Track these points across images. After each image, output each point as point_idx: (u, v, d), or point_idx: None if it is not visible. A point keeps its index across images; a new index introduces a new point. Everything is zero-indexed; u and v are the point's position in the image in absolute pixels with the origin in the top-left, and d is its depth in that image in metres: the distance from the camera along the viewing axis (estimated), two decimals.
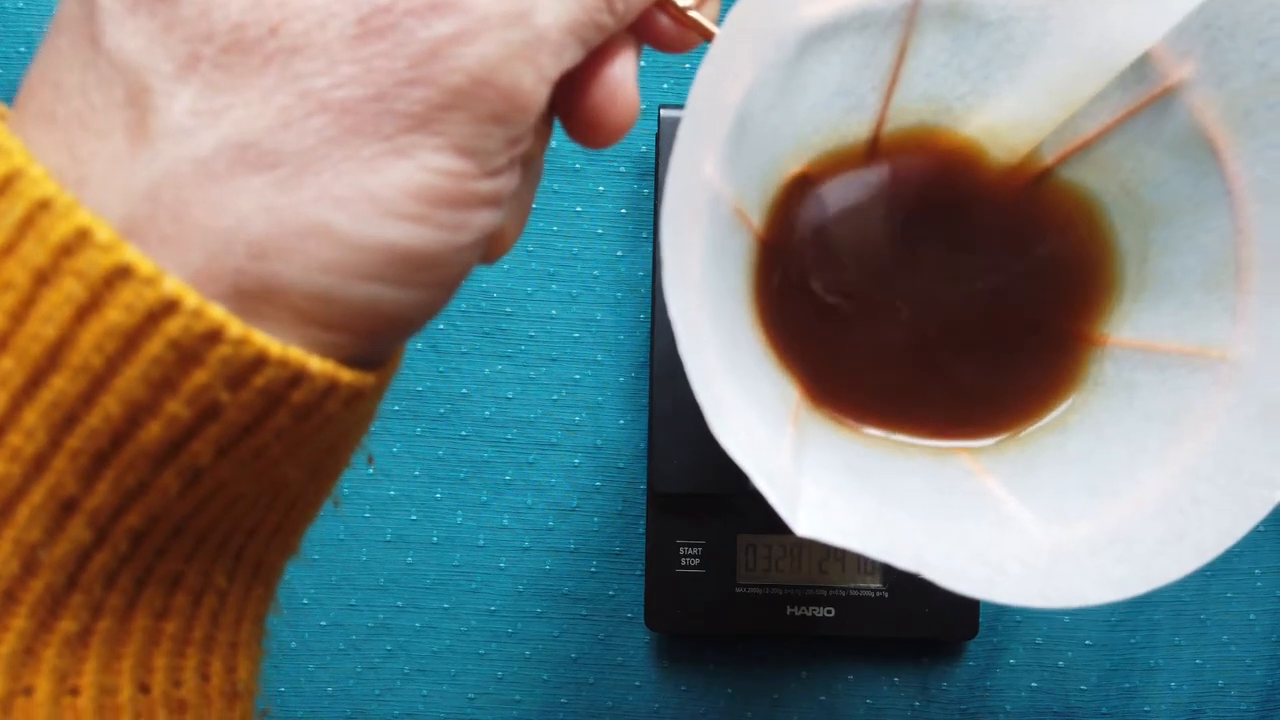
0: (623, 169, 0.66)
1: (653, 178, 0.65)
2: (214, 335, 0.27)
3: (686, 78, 0.65)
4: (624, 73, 0.33)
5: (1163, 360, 0.41)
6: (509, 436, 0.66)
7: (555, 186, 0.66)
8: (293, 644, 0.65)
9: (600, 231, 0.66)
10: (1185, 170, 0.40)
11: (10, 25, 0.65)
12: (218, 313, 0.27)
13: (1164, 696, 0.66)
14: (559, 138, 0.64)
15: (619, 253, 0.66)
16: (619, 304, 0.66)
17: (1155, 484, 0.39)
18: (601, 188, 0.66)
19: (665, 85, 0.66)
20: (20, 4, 0.65)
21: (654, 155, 0.63)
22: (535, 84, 0.30)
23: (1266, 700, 0.65)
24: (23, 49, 0.65)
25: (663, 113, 0.61)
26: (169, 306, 0.26)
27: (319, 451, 0.32)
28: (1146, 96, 0.39)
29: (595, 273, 0.66)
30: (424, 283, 0.30)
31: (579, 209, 0.66)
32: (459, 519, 0.66)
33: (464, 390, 0.66)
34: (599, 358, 0.66)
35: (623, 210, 0.66)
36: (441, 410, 0.66)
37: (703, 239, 0.35)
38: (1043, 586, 0.36)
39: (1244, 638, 0.66)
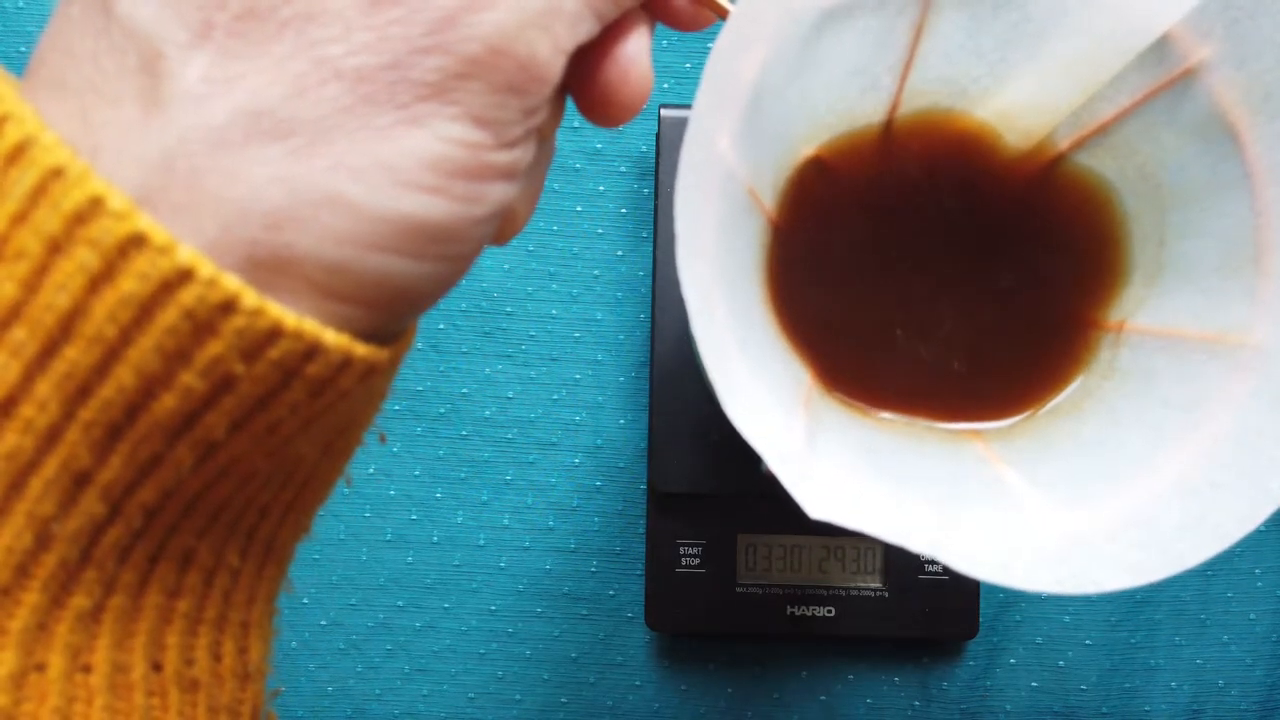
0: (623, 169, 0.66)
1: (653, 178, 0.65)
2: (229, 306, 0.27)
3: (688, 77, 0.65)
4: (637, 49, 0.33)
5: (1181, 346, 0.41)
6: (509, 436, 0.66)
7: (555, 186, 0.66)
8: (293, 643, 0.65)
9: (600, 231, 0.66)
10: (1204, 153, 0.40)
11: (10, 25, 0.65)
12: (232, 283, 0.26)
13: (1164, 696, 0.66)
14: (560, 138, 0.64)
15: (619, 253, 0.66)
16: (619, 304, 0.66)
17: (1173, 469, 0.39)
18: (601, 188, 0.66)
19: (666, 85, 0.66)
20: (20, 4, 0.65)
21: (654, 155, 0.63)
22: (551, 54, 0.30)
23: (1266, 700, 0.65)
24: (23, 49, 0.65)
25: (663, 112, 0.61)
26: (183, 276, 0.26)
27: (332, 428, 0.32)
28: (1166, 79, 0.39)
29: (595, 273, 0.66)
30: (439, 255, 0.30)
31: (579, 209, 0.66)
32: (459, 519, 0.66)
33: (464, 390, 0.66)
34: (599, 358, 0.66)
35: (623, 210, 0.66)
36: (442, 410, 0.66)
37: (716, 218, 0.35)
38: (1058, 572, 0.35)
39: (1244, 638, 0.66)
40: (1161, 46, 0.39)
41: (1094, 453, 0.41)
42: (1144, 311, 0.43)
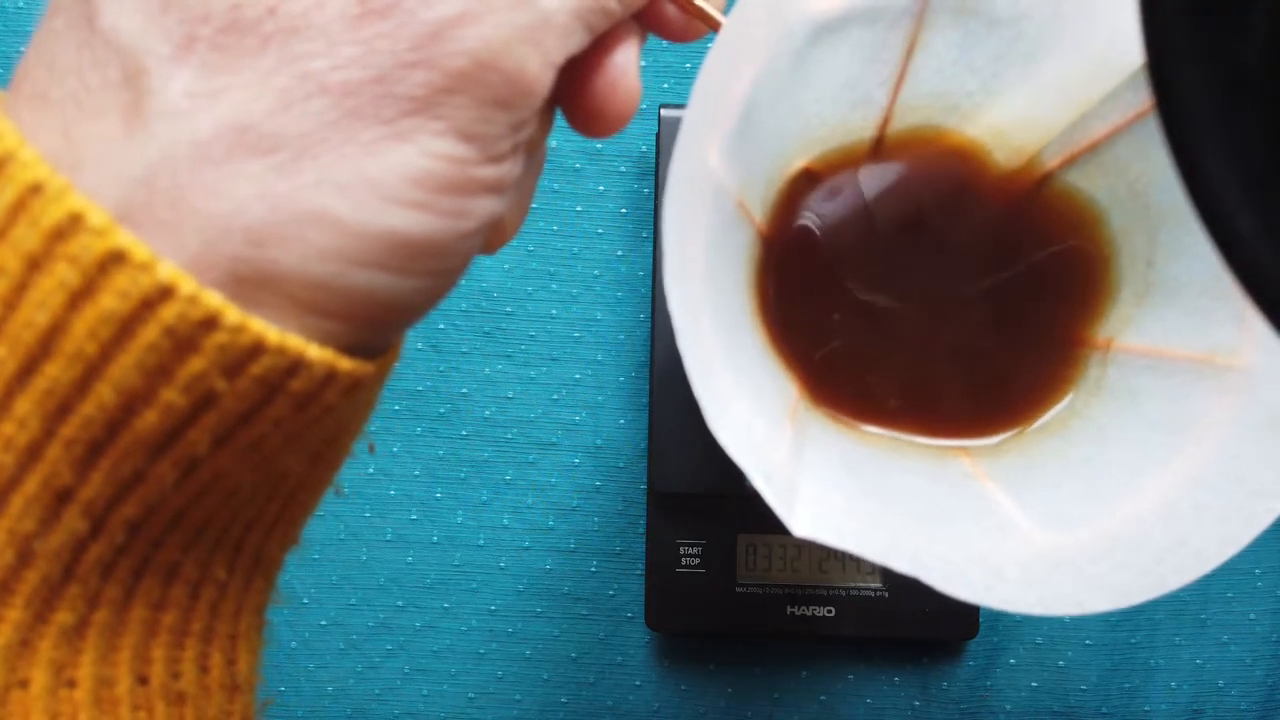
0: (623, 169, 0.66)
1: (653, 177, 0.65)
2: (210, 322, 0.26)
3: (688, 77, 0.65)
4: (627, 61, 0.33)
5: (1168, 366, 0.41)
6: (509, 436, 0.66)
7: (555, 186, 0.66)
8: (293, 643, 0.65)
9: (600, 231, 0.66)
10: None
11: (10, 25, 0.65)
12: (214, 299, 0.26)
13: (1164, 696, 0.65)
14: (559, 138, 0.64)
15: (619, 253, 0.66)
16: (619, 304, 0.66)
17: (1157, 491, 0.38)
18: (601, 188, 0.66)
19: (665, 85, 0.65)
20: (20, 4, 0.65)
21: (654, 155, 0.63)
22: (540, 68, 0.29)
23: (1266, 700, 0.65)
24: (23, 49, 0.65)
25: (663, 112, 0.61)
26: (164, 293, 0.26)
27: (319, 441, 0.32)
28: None
29: (595, 273, 0.66)
30: (425, 271, 0.30)
31: (579, 209, 0.66)
32: (459, 519, 0.66)
33: (464, 390, 0.66)
34: (599, 358, 0.66)
35: (623, 210, 0.66)
36: (442, 410, 0.66)
37: (705, 232, 0.35)
38: (1041, 593, 0.35)
39: (1244, 638, 0.65)
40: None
41: (1080, 472, 0.41)
42: (1132, 331, 0.42)
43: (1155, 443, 0.40)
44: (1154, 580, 0.36)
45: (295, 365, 0.28)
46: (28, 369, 0.26)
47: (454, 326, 0.66)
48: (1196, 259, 0.40)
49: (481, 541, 0.66)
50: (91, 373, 0.26)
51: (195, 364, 0.27)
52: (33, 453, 0.27)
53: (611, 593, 0.66)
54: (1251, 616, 0.65)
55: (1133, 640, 0.65)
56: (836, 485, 0.38)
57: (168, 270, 0.26)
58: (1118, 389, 0.42)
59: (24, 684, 0.28)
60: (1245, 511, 0.36)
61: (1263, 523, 0.36)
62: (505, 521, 0.66)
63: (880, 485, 0.39)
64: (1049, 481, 0.41)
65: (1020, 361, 0.44)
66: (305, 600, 0.65)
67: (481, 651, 0.66)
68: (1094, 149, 0.41)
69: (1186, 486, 0.38)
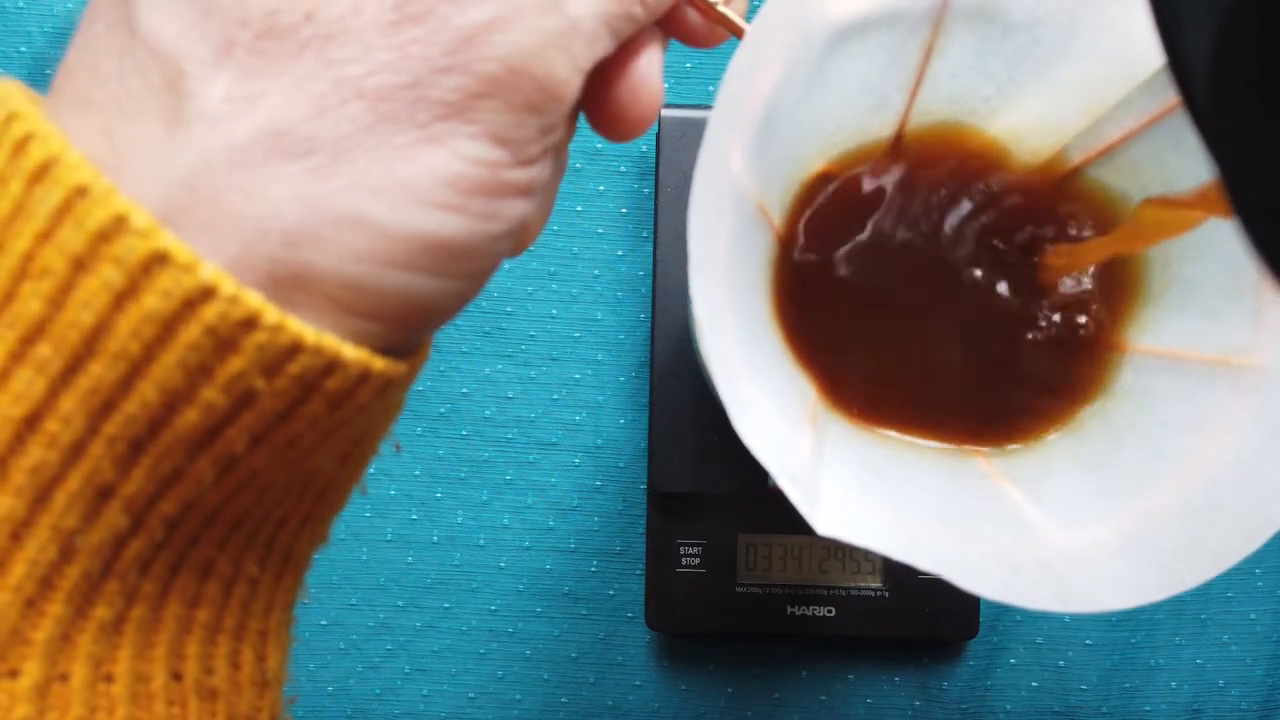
0: (623, 169, 0.66)
1: (653, 178, 0.65)
2: (250, 322, 0.27)
3: (688, 78, 0.65)
4: (650, 66, 0.33)
5: (1183, 367, 0.41)
6: (509, 436, 0.66)
7: None
8: (293, 643, 0.65)
9: (600, 231, 0.66)
10: (1209, 177, 0.40)
11: (10, 25, 0.65)
12: (254, 299, 0.27)
13: (1164, 696, 0.66)
14: None
15: (619, 253, 0.66)
16: (619, 304, 0.66)
17: (1173, 490, 0.39)
18: (601, 188, 0.66)
19: (666, 85, 0.65)
20: (20, 4, 0.65)
21: (654, 155, 0.63)
22: (569, 73, 0.30)
23: (1267, 700, 0.66)
24: (23, 49, 0.65)
25: (663, 112, 0.61)
26: (206, 293, 0.26)
27: (349, 440, 0.32)
28: (1173, 102, 0.39)
29: (595, 272, 0.66)
30: (457, 272, 0.30)
31: (579, 209, 0.66)
32: (459, 518, 0.66)
33: (464, 390, 0.66)
34: (599, 357, 0.66)
35: (623, 210, 0.66)
36: (442, 410, 0.66)
37: (727, 234, 0.35)
38: (1060, 590, 0.36)
39: (1244, 637, 0.66)
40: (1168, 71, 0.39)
41: (1095, 471, 0.41)
42: (1147, 332, 0.43)
43: (1171, 442, 0.40)
44: (1171, 578, 0.36)
45: (331, 365, 0.28)
46: (72, 368, 0.27)
47: (454, 326, 0.66)
48: (1210, 261, 0.41)
49: (482, 541, 0.66)
50: (134, 371, 0.27)
51: (235, 363, 0.27)
52: (76, 450, 0.27)
53: (611, 593, 0.66)
54: (1251, 616, 0.66)
55: (1133, 640, 0.66)
56: (856, 485, 0.38)
57: (210, 271, 0.26)
58: (1133, 390, 0.42)
59: (64, 678, 0.28)
60: (1261, 510, 0.37)
61: (1279, 522, 0.36)
62: (505, 521, 0.66)
63: (899, 485, 0.40)
64: (1065, 481, 0.41)
65: (1041, 366, 0.44)
66: (305, 600, 0.65)
67: (481, 651, 0.66)
68: (1109, 153, 0.42)
69: (1202, 485, 0.38)
